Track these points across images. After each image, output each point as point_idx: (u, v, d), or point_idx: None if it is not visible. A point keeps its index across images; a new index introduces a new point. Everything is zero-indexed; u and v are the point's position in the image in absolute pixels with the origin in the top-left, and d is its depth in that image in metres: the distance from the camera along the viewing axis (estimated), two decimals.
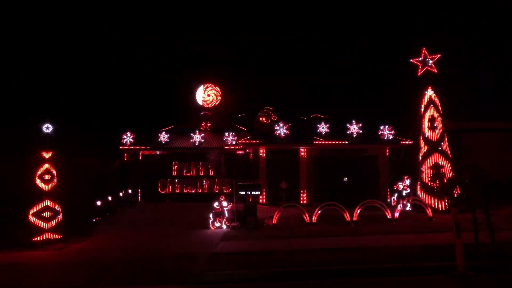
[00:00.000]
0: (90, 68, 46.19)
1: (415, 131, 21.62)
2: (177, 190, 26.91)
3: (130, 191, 25.61)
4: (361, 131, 24.13)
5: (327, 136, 23.96)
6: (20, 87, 37.48)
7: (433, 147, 20.09)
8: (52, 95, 37.10)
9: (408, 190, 21.34)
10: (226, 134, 27.15)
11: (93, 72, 44.26)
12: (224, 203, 17.63)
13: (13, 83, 37.55)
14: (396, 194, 21.48)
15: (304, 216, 17.27)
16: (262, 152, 24.45)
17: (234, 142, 26.77)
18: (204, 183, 27.00)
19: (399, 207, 17.94)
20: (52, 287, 9.71)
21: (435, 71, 20.32)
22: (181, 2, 60.33)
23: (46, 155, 15.83)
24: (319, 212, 17.31)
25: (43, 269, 11.54)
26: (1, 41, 41.11)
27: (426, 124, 20.50)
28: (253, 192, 18.88)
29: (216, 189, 26.51)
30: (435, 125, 20.28)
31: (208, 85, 31.87)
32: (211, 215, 17.61)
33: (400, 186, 21.51)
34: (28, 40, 44.20)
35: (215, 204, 17.72)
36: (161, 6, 57.91)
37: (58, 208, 15.75)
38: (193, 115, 31.21)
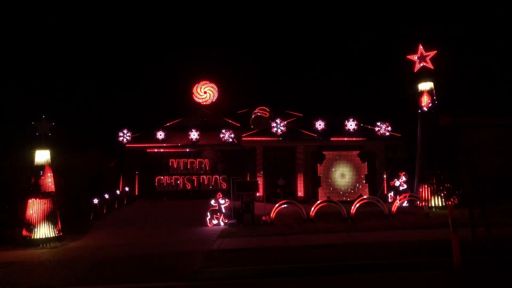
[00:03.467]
0: (87, 66, 46.03)
1: (412, 127, 21.64)
2: (174, 188, 26.90)
3: (127, 188, 25.59)
4: (358, 128, 24.15)
5: (324, 133, 23.97)
6: (17, 84, 37.34)
7: (430, 142, 20.11)
8: (48, 92, 36.97)
9: (405, 186, 21.39)
10: (223, 131, 27.10)
11: (90, 70, 44.13)
12: (221, 200, 17.62)
13: (10, 80, 37.38)
14: (393, 191, 21.53)
15: (301, 213, 17.28)
16: (259, 149, 24.45)
17: (231, 139, 26.75)
18: (201, 180, 26.98)
19: (396, 203, 17.98)
20: (49, 286, 9.67)
21: (432, 67, 20.31)
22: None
23: (43, 153, 15.77)
24: (316, 208, 17.32)
25: (39, 267, 11.50)
26: None
27: (422, 119, 20.51)
28: (250, 189, 18.88)
29: (213, 186, 26.51)
30: (431, 121, 20.29)
31: (204, 82, 31.85)
32: (208, 212, 17.61)
33: (397, 182, 21.55)
34: (25, 37, 43.96)
35: (212, 201, 17.71)
36: (159, 2, 57.69)
37: (55, 206, 15.72)
38: (190, 112, 31.18)
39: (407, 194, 19.45)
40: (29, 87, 37.12)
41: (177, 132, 28.44)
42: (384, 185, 23.04)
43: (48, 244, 14.76)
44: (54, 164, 16.18)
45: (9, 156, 22.39)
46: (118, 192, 23.99)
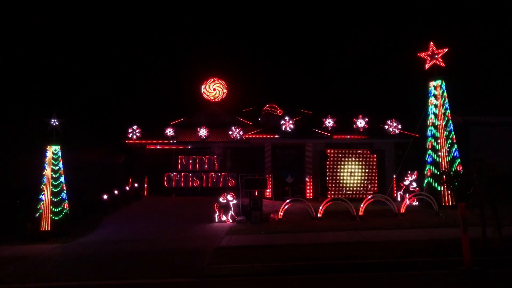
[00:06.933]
0: (97, 63, 46.33)
1: (422, 125, 21.44)
2: (183, 184, 26.97)
3: (136, 185, 25.74)
4: (367, 126, 23.98)
5: (333, 131, 23.85)
6: (28, 81, 37.71)
7: (440, 141, 19.93)
8: (58, 89, 37.28)
9: (415, 185, 21.23)
10: (232, 128, 27.07)
11: (100, 67, 44.40)
12: (230, 197, 17.65)
13: (21, 77, 37.76)
14: (402, 189, 21.37)
15: (310, 211, 17.24)
16: (267, 146, 24.41)
17: (239, 136, 26.72)
18: (210, 177, 27.03)
19: (406, 201, 17.85)
20: (59, 280, 9.76)
21: (443, 65, 20.10)
22: None
23: (53, 149, 15.92)
24: (324, 206, 17.27)
25: (49, 261, 11.62)
26: (8, 35, 41.30)
27: (433, 118, 20.33)
28: (258, 187, 18.89)
29: (222, 183, 26.54)
30: (442, 119, 20.11)
31: (213, 79, 31.81)
32: (216, 209, 17.65)
33: (407, 180, 21.39)
34: (35, 34, 44.35)
35: (221, 198, 17.75)
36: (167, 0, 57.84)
37: (65, 202, 15.87)
38: (199, 109, 31.20)
39: (417, 193, 19.30)
40: (40, 84, 37.46)
41: (186, 129, 28.49)
42: (393, 183, 22.89)
43: (58, 239, 14.91)
44: (64, 160, 16.32)
45: (19, 152, 22.65)
46: (127, 188, 24.14)
